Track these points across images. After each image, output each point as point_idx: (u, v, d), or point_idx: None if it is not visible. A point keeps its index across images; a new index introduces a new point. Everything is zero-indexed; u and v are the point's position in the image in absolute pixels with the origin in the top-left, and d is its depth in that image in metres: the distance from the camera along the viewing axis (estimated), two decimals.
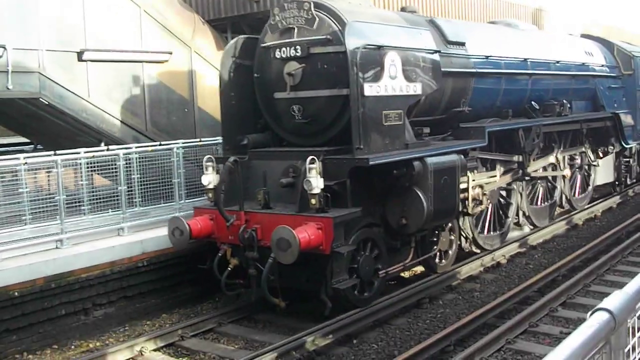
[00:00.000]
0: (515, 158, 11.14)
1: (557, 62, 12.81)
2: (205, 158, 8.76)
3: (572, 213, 13.76)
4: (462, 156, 9.27)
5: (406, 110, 8.57)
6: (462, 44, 10.16)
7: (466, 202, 9.63)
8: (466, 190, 9.58)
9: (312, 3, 8.32)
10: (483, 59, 10.54)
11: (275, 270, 7.86)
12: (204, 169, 8.73)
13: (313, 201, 7.65)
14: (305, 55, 8.37)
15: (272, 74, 8.79)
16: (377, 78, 8.04)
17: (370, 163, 7.72)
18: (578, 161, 14.04)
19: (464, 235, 10.41)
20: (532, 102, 11.97)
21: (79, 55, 11.00)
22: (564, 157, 13.27)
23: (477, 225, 10.74)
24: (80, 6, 11.05)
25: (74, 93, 10.92)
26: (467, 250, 10.59)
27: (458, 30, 10.25)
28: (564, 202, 13.77)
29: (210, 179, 8.64)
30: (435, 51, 9.11)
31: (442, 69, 9.39)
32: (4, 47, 9.85)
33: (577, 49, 14.25)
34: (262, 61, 8.94)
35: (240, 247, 8.24)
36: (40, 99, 10.59)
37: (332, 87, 8.27)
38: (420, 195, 8.44)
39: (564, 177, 13.25)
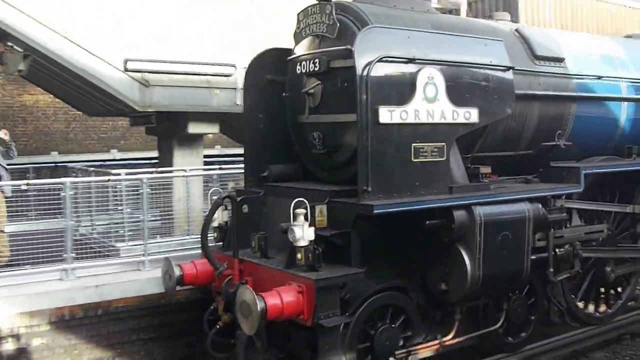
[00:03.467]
0: (629, 209, 8.46)
1: None
2: (210, 192, 7.44)
3: None
4: (540, 206, 7.06)
5: (452, 142, 6.59)
6: (559, 60, 7.89)
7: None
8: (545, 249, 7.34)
9: (334, 5, 6.68)
10: (592, 79, 8.13)
11: (263, 334, 6.29)
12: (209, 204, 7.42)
13: (299, 256, 5.99)
14: (324, 70, 6.73)
15: (297, 93, 7.24)
16: (403, 100, 6.19)
17: (375, 212, 5.90)
18: None
19: (556, 304, 8.06)
20: None
21: None
22: None
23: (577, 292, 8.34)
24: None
25: None
26: (558, 322, 8.23)
27: (554, 43, 7.98)
28: None
29: (216, 215, 7.29)
30: (507, 68, 7.00)
31: (522, 91, 7.31)
32: (234, 66, 10.62)
33: None
34: (290, 77, 7.43)
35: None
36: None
37: (353, 110, 6.52)
38: (464, 255, 6.44)
39: None
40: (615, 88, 8.40)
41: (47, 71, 10.78)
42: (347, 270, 6.07)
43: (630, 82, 8.58)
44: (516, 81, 7.22)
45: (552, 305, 8.05)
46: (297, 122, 7.28)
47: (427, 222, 6.38)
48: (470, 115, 6.65)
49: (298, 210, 5.96)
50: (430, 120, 6.36)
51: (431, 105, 6.36)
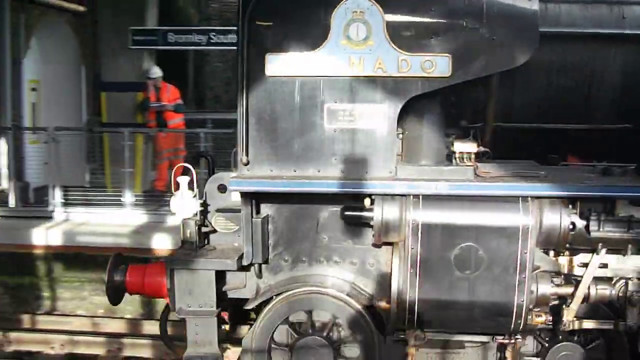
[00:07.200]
0: None
1: None
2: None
3: None
4: (566, 211, 4.50)
5: (403, 103, 4.63)
6: None
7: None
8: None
9: None
10: None
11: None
12: None
13: (181, 230, 5.08)
14: None
15: None
16: (310, 45, 4.60)
17: (231, 188, 4.59)
18: None
19: None
20: None
21: None
22: None
23: None
24: None
25: None
26: None
27: None
28: None
29: None
30: None
31: (573, 30, 4.80)
32: None
33: None
34: None
35: None
36: None
37: None
38: (393, 265, 4.59)
39: None
40: None
41: None
42: (219, 257, 4.88)
43: None
44: (565, 13, 4.76)
45: None
46: None
47: (346, 212, 4.70)
48: (434, 65, 4.58)
49: (179, 178, 5.02)
50: (357, 72, 4.61)
51: (359, 50, 4.58)
